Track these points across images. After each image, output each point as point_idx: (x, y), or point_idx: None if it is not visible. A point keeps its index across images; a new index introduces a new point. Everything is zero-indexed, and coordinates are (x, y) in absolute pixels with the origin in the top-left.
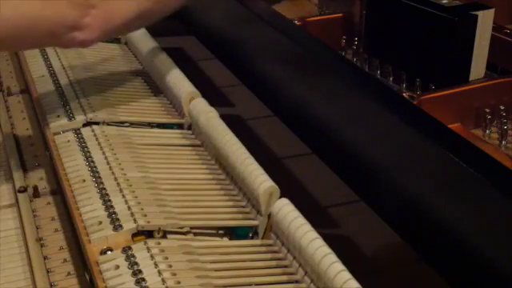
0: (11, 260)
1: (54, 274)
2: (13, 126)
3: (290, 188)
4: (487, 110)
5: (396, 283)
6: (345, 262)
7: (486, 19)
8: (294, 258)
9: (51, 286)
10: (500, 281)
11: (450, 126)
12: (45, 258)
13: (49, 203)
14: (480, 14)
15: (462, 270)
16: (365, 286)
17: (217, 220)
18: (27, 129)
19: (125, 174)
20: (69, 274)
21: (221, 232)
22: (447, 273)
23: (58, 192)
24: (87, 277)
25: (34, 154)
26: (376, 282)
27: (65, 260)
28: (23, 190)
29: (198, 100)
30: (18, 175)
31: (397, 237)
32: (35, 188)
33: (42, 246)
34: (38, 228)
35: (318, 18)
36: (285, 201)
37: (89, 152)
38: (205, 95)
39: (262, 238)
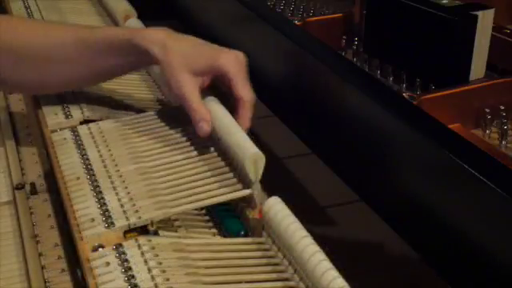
0: (7, 256)
1: (48, 270)
2: (13, 125)
3: (289, 188)
4: (487, 110)
5: (396, 283)
6: (344, 262)
7: (486, 19)
8: (285, 256)
9: (45, 282)
10: (500, 280)
11: (450, 125)
12: (40, 254)
13: (46, 200)
14: (480, 14)
15: (461, 270)
16: (364, 286)
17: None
18: (27, 126)
19: (118, 171)
20: (63, 270)
21: (213, 230)
22: (447, 273)
23: (55, 189)
24: (79, 273)
25: (31, 152)
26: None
27: (59, 257)
28: (21, 187)
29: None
30: (15, 172)
31: (397, 237)
32: (33, 185)
33: (37, 242)
34: (34, 225)
35: (318, 18)
36: (276, 199)
37: (84, 150)
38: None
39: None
